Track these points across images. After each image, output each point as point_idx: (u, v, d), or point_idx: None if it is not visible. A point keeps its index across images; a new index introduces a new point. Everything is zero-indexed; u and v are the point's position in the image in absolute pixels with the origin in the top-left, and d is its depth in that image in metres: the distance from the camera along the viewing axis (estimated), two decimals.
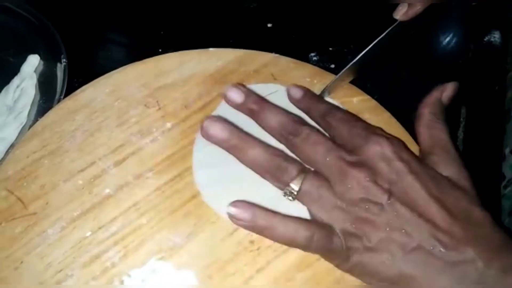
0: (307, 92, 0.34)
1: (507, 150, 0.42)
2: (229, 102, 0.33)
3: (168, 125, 0.35)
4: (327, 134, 0.31)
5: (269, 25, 0.47)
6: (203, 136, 0.31)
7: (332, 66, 0.44)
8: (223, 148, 0.31)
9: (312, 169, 0.29)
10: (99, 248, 0.30)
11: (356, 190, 0.27)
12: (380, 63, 0.36)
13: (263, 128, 0.31)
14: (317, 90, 0.37)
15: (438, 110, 0.32)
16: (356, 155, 0.28)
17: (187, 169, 0.33)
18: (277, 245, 0.30)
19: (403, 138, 0.35)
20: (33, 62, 0.43)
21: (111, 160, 0.33)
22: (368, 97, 0.37)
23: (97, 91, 0.36)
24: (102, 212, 0.31)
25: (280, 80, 0.37)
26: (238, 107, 0.32)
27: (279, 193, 0.30)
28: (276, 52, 0.38)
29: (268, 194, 0.31)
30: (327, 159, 0.28)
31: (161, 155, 0.33)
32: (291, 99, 0.34)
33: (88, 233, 0.31)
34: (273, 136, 0.31)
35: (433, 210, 0.27)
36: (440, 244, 0.26)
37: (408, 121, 0.36)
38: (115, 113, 0.35)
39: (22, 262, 0.30)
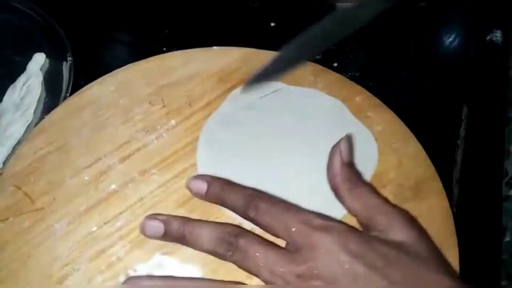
0: (213, 182, 0.29)
1: (511, 147, 0.42)
2: (146, 235, 0.30)
3: (173, 122, 0.35)
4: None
5: (272, 24, 0.47)
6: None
7: (335, 64, 0.44)
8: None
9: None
10: (105, 242, 0.31)
11: None
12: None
13: (199, 251, 0.28)
14: (319, 88, 0.37)
15: (350, 174, 0.29)
16: (304, 263, 0.25)
17: (191, 165, 0.33)
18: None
19: (405, 137, 0.36)
20: (39, 60, 0.44)
21: (116, 157, 0.34)
22: (370, 95, 0.37)
23: (103, 89, 0.37)
24: (108, 208, 0.32)
25: (283, 78, 0.37)
26: (162, 239, 0.29)
27: (286, 188, 0.30)
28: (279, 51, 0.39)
29: (272, 191, 0.31)
30: (274, 275, 0.25)
31: (166, 152, 0.34)
32: (196, 195, 0.30)
33: (94, 228, 0.31)
34: (214, 256, 0.28)
35: None
36: None
37: (411, 120, 0.37)
38: (120, 110, 0.36)
39: (29, 256, 0.30)
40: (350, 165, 0.29)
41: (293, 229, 0.26)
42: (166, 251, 0.30)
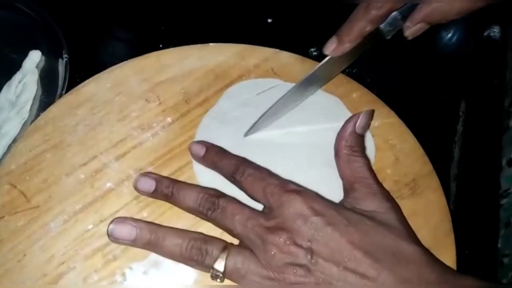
0: (210, 148, 0.32)
1: (504, 161, 0.42)
2: (140, 192, 0.31)
3: (169, 119, 0.35)
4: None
5: (269, 20, 0.47)
6: (110, 241, 0.30)
7: None
8: (136, 247, 0.29)
9: (237, 243, 0.29)
10: (101, 241, 0.31)
11: (279, 256, 0.27)
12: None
13: (182, 209, 0.30)
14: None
15: (354, 142, 0.31)
16: (273, 218, 0.28)
17: (187, 163, 0.33)
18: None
19: (401, 132, 0.36)
20: (34, 57, 0.44)
21: (112, 154, 0.34)
22: (367, 91, 0.37)
23: (99, 86, 0.36)
24: (104, 206, 0.32)
25: (280, 75, 0.37)
26: (151, 195, 0.31)
27: None
28: (276, 47, 0.38)
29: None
30: (246, 228, 0.28)
31: (162, 149, 0.34)
32: (194, 158, 0.33)
33: (90, 226, 0.31)
34: (194, 215, 0.30)
35: (358, 259, 0.26)
36: None
37: (408, 116, 0.36)
38: (116, 107, 0.35)
39: (25, 254, 0.30)
40: (358, 136, 0.32)
41: (269, 191, 0.28)
42: None
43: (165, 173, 0.33)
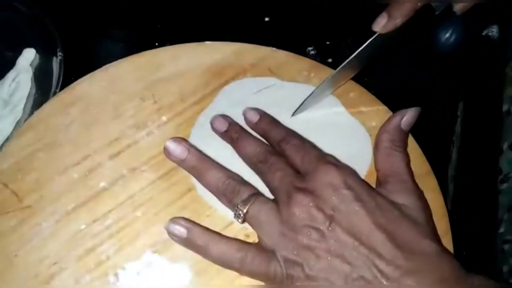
0: (264, 116, 0.34)
1: (505, 145, 0.41)
2: (214, 130, 0.33)
3: (164, 118, 0.35)
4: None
5: (266, 19, 0.46)
6: (164, 154, 0.32)
7: (330, 60, 0.44)
8: (182, 167, 0.32)
9: (266, 196, 0.30)
10: (94, 241, 0.30)
11: (300, 216, 0.27)
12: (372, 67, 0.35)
13: (239, 155, 0.32)
14: (314, 84, 0.37)
15: (397, 137, 0.31)
16: (306, 181, 0.28)
17: None
18: None
19: None
20: (29, 55, 0.43)
21: (106, 154, 0.33)
22: (365, 91, 0.37)
23: (93, 84, 0.36)
24: (97, 206, 0.31)
25: (277, 73, 0.37)
26: (221, 135, 0.33)
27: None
28: (273, 46, 0.38)
29: (263, 189, 0.31)
30: (281, 183, 0.29)
31: (157, 149, 0.33)
32: (248, 123, 0.34)
33: (83, 226, 0.31)
34: (246, 164, 0.32)
35: (377, 239, 0.26)
36: (381, 275, 0.25)
37: None
38: (110, 106, 0.35)
39: (16, 255, 0.30)
40: (402, 131, 0.31)
41: (307, 159, 0.29)
42: (156, 249, 0.30)
43: (159, 172, 0.33)
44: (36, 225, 0.31)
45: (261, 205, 0.28)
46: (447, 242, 0.31)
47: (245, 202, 0.28)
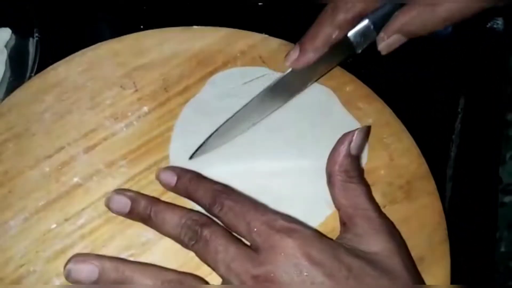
0: (183, 174, 0.28)
1: (508, 155, 0.40)
2: (113, 212, 0.28)
3: (145, 109, 0.32)
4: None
5: (260, 3, 0.44)
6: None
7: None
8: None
9: None
10: (65, 242, 0.28)
11: None
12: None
13: (163, 234, 0.27)
14: None
15: (350, 166, 0.27)
16: (261, 265, 0.24)
17: (164, 158, 0.31)
18: None
19: (396, 129, 0.33)
20: (3, 36, 0.41)
21: (81, 146, 0.31)
22: (362, 84, 0.35)
23: (69, 70, 0.33)
24: (70, 203, 0.29)
25: (269, 63, 0.35)
26: (126, 216, 0.28)
27: (268, 184, 0.28)
28: (266, 33, 0.36)
29: (247, 185, 0.29)
30: (230, 271, 0.24)
31: (137, 142, 0.31)
32: (165, 187, 0.29)
33: (54, 226, 0.29)
34: (174, 241, 0.26)
35: None
36: None
37: (402, 111, 0.34)
38: (87, 94, 0.32)
39: None
40: (354, 158, 0.28)
41: (255, 229, 0.25)
42: (131, 253, 0.28)
43: (139, 167, 0.30)
44: (2, 223, 0.28)
45: None
46: (445, 249, 0.30)
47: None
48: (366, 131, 0.29)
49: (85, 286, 0.25)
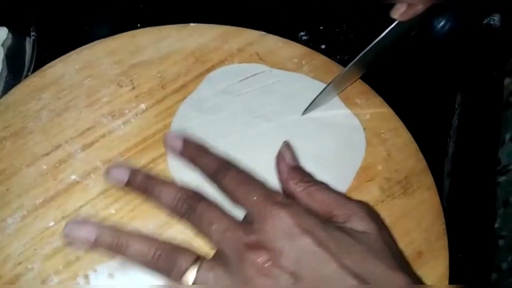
0: (190, 142, 0.29)
1: (507, 136, 0.39)
2: (112, 182, 0.28)
3: (143, 106, 0.32)
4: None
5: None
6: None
7: (323, 46, 0.41)
8: (97, 251, 0.26)
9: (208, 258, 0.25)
10: (63, 240, 0.28)
11: (257, 279, 0.23)
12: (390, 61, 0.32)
13: (156, 205, 0.27)
14: (305, 72, 0.34)
15: (299, 176, 0.27)
16: (254, 233, 0.24)
17: (161, 155, 0.31)
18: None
19: (394, 125, 0.33)
20: (0, 35, 0.40)
21: (78, 144, 0.31)
22: (360, 81, 0.35)
23: (66, 68, 0.33)
24: (67, 201, 0.29)
25: (266, 60, 0.35)
26: (126, 186, 0.27)
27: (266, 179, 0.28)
28: (263, 30, 0.36)
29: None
30: (223, 240, 0.24)
31: (134, 139, 0.31)
32: (170, 151, 0.29)
33: (51, 223, 0.29)
34: (170, 214, 0.27)
35: (351, 285, 0.23)
36: None
37: (401, 108, 0.34)
38: (84, 92, 0.32)
39: None
40: (298, 167, 0.28)
41: (254, 198, 0.25)
42: None
43: (137, 165, 0.30)
44: (0, 221, 0.28)
45: (207, 273, 0.24)
46: (443, 244, 0.30)
47: (186, 273, 0.24)
48: (287, 144, 0.29)
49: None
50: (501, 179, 0.39)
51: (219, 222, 0.25)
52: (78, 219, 0.26)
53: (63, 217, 0.28)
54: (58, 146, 0.31)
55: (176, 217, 0.26)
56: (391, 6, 0.29)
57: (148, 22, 0.38)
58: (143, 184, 0.27)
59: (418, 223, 0.30)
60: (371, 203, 0.30)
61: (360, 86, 0.34)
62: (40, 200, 0.29)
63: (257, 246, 0.24)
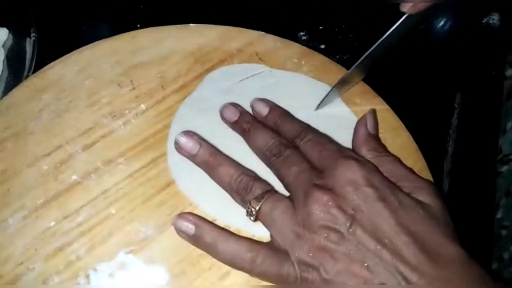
0: (274, 108, 0.31)
1: (508, 125, 0.39)
2: (224, 119, 0.32)
3: (143, 106, 0.32)
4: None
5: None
6: (175, 148, 0.30)
7: (322, 46, 0.41)
8: (194, 162, 0.30)
9: (281, 193, 0.28)
10: (64, 239, 0.28)
11: (317, 215, 0.25)
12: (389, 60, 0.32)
13: (251, 147, 0.30)
14: (304, 72, 0.35)
15: (375, 144, 0.29)
16: (324, 178, 0.26)
17: (162, 155, 0.31)
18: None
19: (394, 125, 0.33)
20: (0, 36, 0.40)
21: (79, 144, 0.31)
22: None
23: (67, 68, 0.33)
24: (68, 201, 0.29)
25: (266, 60, 0.35)
26: (232, 125, 0.31)
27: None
28: (262, 30, 0.36)
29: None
30: (296, 179, 0.27)
31: (134, 139, 0.31)
32: (257, 115, 0.32)
33: (52, 223, 0.28)
34: (259, 157, 0.30)
35: (402, 242, 0.24)
36: (406, 282, 0.23)
37: (401, 107, 0.34)
38: (85, 92, 0.32)
39: None
40: (375, 137, 0.30)
41: (325, 154, 0.27)
42: (130, 249, 0.28)
43: (137, 165, 0.30)
44: (1, 221, 0.28)
45: (275, 203, 0.26)
46: None
47: (258, 199, 0.27)
48: (374, 112, 0.31)
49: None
50: (503, 168, 0.39)
51: (298, 165, 0.27)
52: (188, 132, 0.30)
53: (64, 217, 0.28)
54: (58, 147, 0.31)
55: (263, 160, 0.29)
56: (391, 6, 0.29)
57: (148, 23, 0.38)
58: (247, 126, 0.30)
59: None
60: None
61: (360, 86, 0.34)
62: (41, 200, 0.29)
63: (324, 187, 0.26)
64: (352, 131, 0.32)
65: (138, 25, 0.41)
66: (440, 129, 0.40)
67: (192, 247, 0.27)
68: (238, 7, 0.43)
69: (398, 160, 0.28)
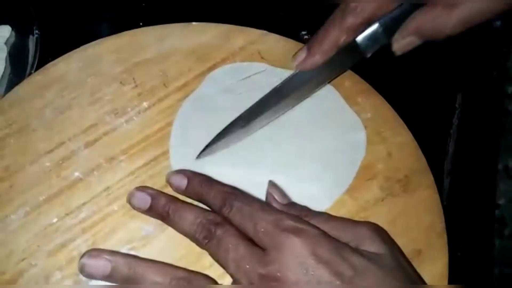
0: (193, 178, 0.28)
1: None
2: (134, 208, 0.28)
3: (145, 104, 0.32)
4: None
5: None
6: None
7: None
8: (112, 283, 0.26)
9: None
10: (66, 236, 0.28)
11: None
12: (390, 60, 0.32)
13: (177, 231, 0.27)
14: None
15: (297, 211, 0.27)
16: (269, 264, 0.24)
17: (164, 153, 0.31)
18: None
19: (395, 124, 0.34)
20: (3, 33, 0.40)
21: (81, 141, 0.31)
22: (360, 80, 0.35)
23: (69, 66, 0.33)
24: (70, 197, 0.29)
25: (268, 59, 0.35)
26: (145, 213, 0.28)
27: (261, 180, 0.28)
28: (264, 29, 0.36)
29: (247, 181, 0.29)
30: (239, 270, 0.25)
31: (136, 137, 0.31)
32: (176, 191, 0.29)
33: (55, 220, 0.29)
34: (190, 240, 0.27)
35: None
36: None
37: (401, 106, 0.34)
38: (87, 90, 0.33)
39: None
40: (291, 204, 0.28)
41: (262, 229, 0.25)
42: (132, 246, 0.28)
43: (139, 162, 0.31)
44: (4, 218, 0.29)
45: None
46: (442, 243, 0.30)
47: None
48: (272, 182, 0.29)
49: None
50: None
51: (235, 250, 0.25)
52: (93, 252, 0.26)
53: (66, 214, 0.29)
54: (61, 144, 0.31)
55: (196, 244, 0.26)
56: None
57: (151, 21, 0.39)
58: (164, 209, 0.27)
59: (418, 222, 0.30)
60: (371, 202, 0.31)
61: (361, 85, 0.34)
62: (44, 197, 0.29)
63: (272, 279, 0.24)
64: (352, 132, 0.33)
65: (141, 23, 0.41)
66: (441, 129, 0.40)
67: (193, 245, 0.27)
68: (240, 6, 0.43)
69: (327, 217, 0.27)
